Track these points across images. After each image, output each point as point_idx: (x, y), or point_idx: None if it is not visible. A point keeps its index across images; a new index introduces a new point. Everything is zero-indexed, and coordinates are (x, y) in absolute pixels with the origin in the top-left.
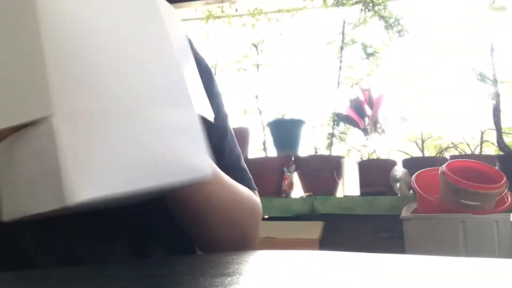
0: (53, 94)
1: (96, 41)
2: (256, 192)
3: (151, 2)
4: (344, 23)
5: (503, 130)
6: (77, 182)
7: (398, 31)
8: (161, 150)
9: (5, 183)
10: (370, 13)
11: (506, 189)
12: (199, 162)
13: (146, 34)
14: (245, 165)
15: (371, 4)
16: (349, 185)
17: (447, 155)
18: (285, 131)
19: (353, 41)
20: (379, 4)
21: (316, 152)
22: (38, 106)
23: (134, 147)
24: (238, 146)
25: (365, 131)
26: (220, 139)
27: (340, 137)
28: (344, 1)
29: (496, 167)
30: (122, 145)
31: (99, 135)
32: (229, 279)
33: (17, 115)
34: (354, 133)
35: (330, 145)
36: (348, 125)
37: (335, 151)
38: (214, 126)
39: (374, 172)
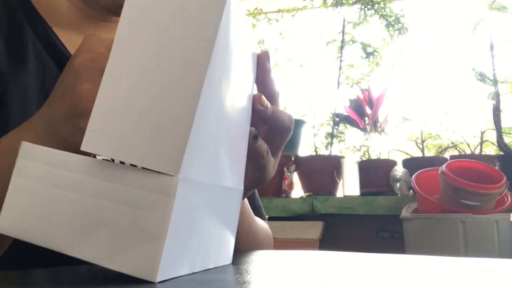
0: (185, 155)
1: (229, 113)
2: (266, 221)
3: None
4: (344, 22)
5: (503, 130)
6: (169, 261)
7: (398, 29)
8: (220, 235)
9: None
10: (370, 12)
11: (506, 189)
12: (230, 250)
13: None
14: (257, 194)
15: (370, 4)
16: (349, 185)
17: (447, 155)
18: None
19: (353, 41)
20: (378, 3)
21: (316, 152)
22: (169, 160)
23: (209, 229)
24: None
25: (365, 131)
26: None
27: (340, 137)
28: (343, 1)
29: (496, 167)
30: (204, 225)
31: (195, 210)
32: (229, 279)
33: (143, 153)
34: (354, 133)
35: (330, 145)
36: (348, 125)
37: (335, 151)
38: None
39: (374, 172)
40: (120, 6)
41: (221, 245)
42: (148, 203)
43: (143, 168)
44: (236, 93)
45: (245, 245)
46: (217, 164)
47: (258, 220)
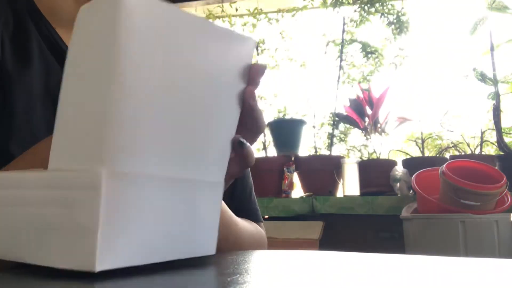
0: (107, 149)
1: (169, 99)
2: (262, 224)
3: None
4: (344, 22)
5: (503, 130)
6: (107, 250)
7: (399, 28)
8: (186, 226)
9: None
10: (371, 10)
11: (506, 189)
12: (210, 241)
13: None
14: (254, 196)
15: (369, 4)
16: (349, 185)
17: (447, 155)
18: (285, 131)
19: (353, 41)
20: (378, 2)
21: (316, 152)
22: (91, 156)
23: (164, 220)
24: (250, 175)
25: (365, 131)
26: None
27: (340, 137)
28: (343, 0)
29: (496, 167)
30: (155, 217)
31: (137, 201)
32: (229, 279)
33: (78, 159)
34: (354, 133)
35: (330, 145)
36: (348, 125)
37: (335, 151)
38: None
39: (374, 172)
40: None
41: (192, 236)
42: (80, 201)
43: (79, 169)
44: (204, 88)
45: (227, 248)
46: (179, 159)
47: (245, 222)
